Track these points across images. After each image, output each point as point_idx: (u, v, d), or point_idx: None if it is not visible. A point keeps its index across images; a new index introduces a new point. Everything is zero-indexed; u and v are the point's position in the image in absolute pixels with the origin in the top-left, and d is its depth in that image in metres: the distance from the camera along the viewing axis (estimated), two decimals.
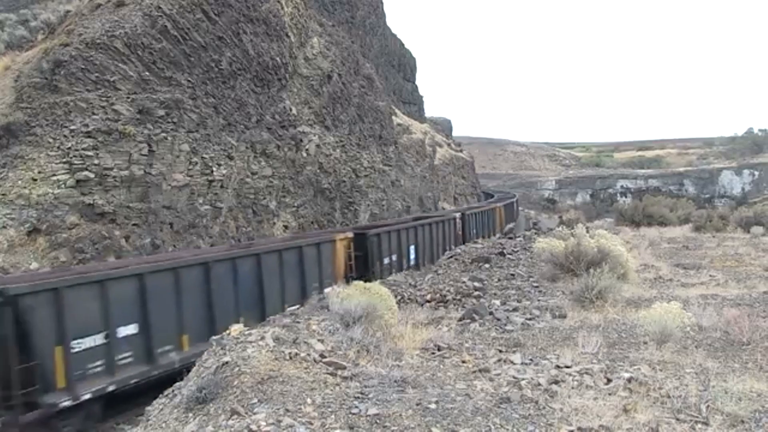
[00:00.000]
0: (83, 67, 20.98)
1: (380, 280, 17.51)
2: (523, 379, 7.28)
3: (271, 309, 14.99)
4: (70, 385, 10.69)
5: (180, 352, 12.77)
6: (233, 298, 14.49)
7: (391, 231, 23.63)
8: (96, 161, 19.96)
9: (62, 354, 10.69)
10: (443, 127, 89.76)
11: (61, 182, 19.38)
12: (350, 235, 21.13)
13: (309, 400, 6.26)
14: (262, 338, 7.81)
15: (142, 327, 12.20)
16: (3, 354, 10.08)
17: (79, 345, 10.97)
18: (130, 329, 12.01)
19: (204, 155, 24.29)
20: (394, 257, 23.14)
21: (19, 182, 19.06)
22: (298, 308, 14.19)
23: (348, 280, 18.54)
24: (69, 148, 19.80)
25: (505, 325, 10.82)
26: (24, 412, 10.13)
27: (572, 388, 7.08)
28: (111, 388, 11.42)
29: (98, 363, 11.28)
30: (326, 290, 17.11)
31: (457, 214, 33.03)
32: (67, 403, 10.41)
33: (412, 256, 24.61)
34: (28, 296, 10.44)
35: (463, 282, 15.35)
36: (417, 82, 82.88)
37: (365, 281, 17.58)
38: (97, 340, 11.32)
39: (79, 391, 10.63)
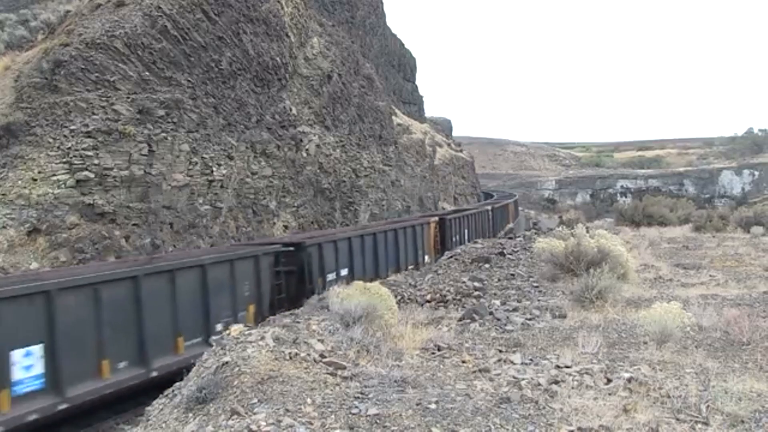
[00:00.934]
0: (83, 67, 20.98)
1: (452, 251, 24.76)
2: (523, 379, 7.27)
3: (403, 265, 23.20)
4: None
5: None
6: (385, 256, 22.36)
7: (456, 218, 32.45)
8: (96, 161, 19.96)
9: (321, 282, 17.60)
10: (443, 127, 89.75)
11: (61, 182, 19.38)
12: (436, 219, 29.79)
13: (309, 400, 6.26)
14: (262, 338, 7.80)
15: (350, 270, 19.61)
16: (300, 278, 17.20)
17: (327, 278, 18.15)
18: (345, 271, 19.46)
19: (204, 155, 24.30)
20: (457, 237, 31.31)
21: (19, 182, 19.06)
22: (413, 268, 22.44)
23: (435, 252, 27.28)
24: (69, 148, 19.80)
25: (505, 325, 10.81)
26: None
27: (572, 388, 7.08)
28: None
29: None
30: (425, 257, 25.89)
31: (489, 207, 43.94)
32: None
33: (466, 237, 32.70)
34: (310, 247, 17.78)
35: (463, 282, 15.32)
36: (417, 82, 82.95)
37: (445, 251, 25.94)
38: (333, 276, 18.53)
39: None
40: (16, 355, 9.77)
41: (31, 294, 10.12)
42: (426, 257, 25.92)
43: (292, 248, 17.45)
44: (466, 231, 33.12)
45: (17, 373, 9.79)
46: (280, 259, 16.67)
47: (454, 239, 30.15)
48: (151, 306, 12.03)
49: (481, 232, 35.99)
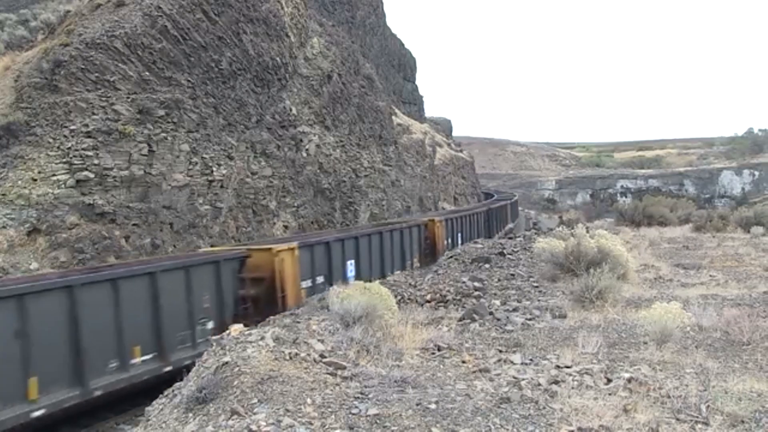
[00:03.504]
0: (83, 67, 20.97)
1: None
2: (523, 379, 7.27)
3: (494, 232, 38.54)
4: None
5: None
6: (481, 227, 36.91)
7: (515, 202, 55.21)
8: (96, 161, 19.95)
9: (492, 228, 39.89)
10: (443, 127, 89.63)
11: (61, 182, 19.37)
12: (511, 200, 53.41)
13: (309, 400, 6.26)
14: (262, 338, 7.80)
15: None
16: (489, 225, 38.54)
17: (498, 228, 40.78)
18: (510, 225, 45.84)
19: (204, 155, 24.29)
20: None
21: (19, 182, 19.05)
22: (507, 231, 37.89)
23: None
24: (69, 148, 19.79)
25: (505, 325, 10.81)
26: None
27: (572, 388, 7.08)
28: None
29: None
30: (510, 224, 46.65)
31: (515, 198, 66.47)
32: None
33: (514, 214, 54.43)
34: (494, 210, 42.11)
35: (463, 282, 15.33)
36: (417, 82, 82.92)
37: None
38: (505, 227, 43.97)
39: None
40: None
41: None
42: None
43: (485, 209, 37.30)
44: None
45: None
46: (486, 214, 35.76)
47: (520, 216, 56.79)
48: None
49: (515, 216, 58.92)
